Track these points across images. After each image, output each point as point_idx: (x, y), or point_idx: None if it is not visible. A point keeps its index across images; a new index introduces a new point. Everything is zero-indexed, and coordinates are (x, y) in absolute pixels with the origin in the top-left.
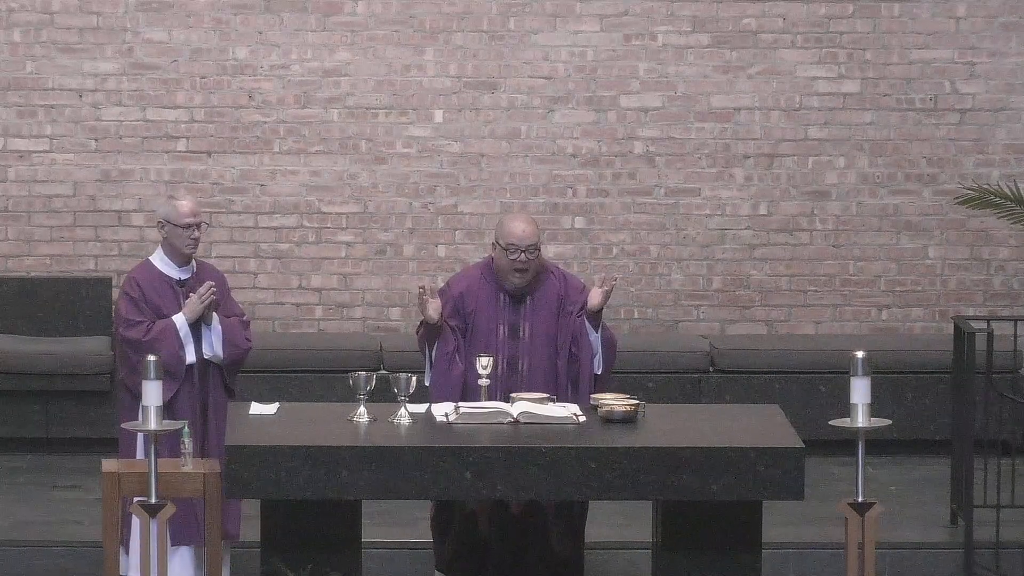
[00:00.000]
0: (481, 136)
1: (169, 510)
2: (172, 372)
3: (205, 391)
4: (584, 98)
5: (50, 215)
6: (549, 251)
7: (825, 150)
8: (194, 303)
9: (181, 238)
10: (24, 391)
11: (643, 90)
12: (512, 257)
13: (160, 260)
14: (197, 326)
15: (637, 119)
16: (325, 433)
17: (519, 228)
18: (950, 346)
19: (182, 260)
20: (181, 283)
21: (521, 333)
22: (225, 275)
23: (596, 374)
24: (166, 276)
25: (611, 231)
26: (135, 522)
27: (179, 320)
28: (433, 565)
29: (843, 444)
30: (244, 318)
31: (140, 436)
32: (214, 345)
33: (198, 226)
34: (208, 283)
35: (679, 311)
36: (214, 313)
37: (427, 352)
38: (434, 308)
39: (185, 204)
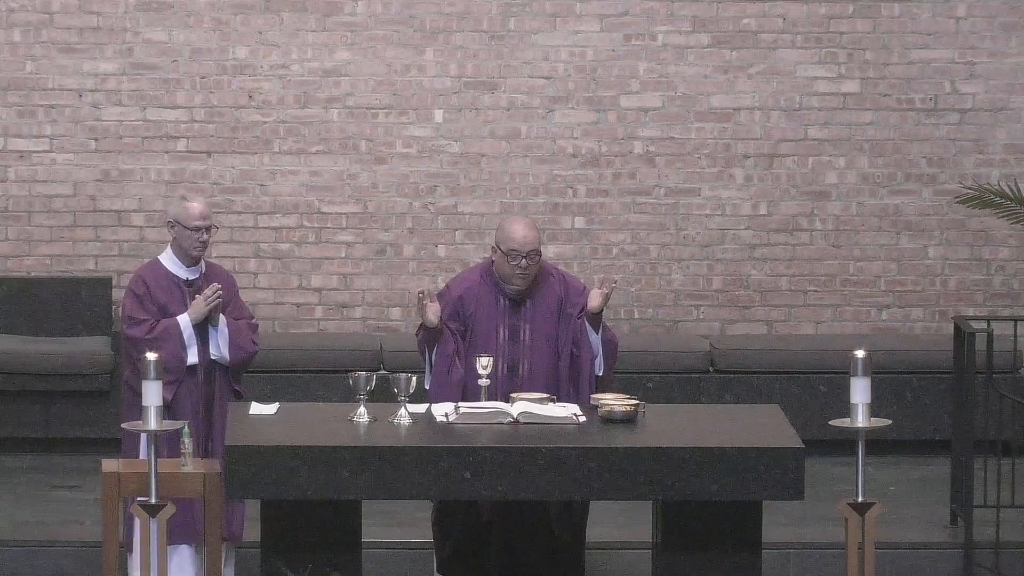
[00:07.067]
0: (481, 136)
1: (169, 510)
2: (171, 371)
3: (210, 392)
4: (584, 98)
5: (50, 215)
6: (549, 251)
7: (825, 150)
8: (199, 304)
9: (189, 240)
10: (24, 391)
11: (643, 90)
12: (513, 263)
13: (168, 259)
14: (204, 327)
15: (637, 119)
16: (325, 433)
17: (520, 234)
18: (950, 346)
19: (190, 261)
20: (189, 283)
21: (521, 336)
22: (234, 277)
23: (597, 375)
24: (174, 276)
25: (611, 231)
26: (136, 522)
27: (183, 320)
28: (434, 566)
29: (843, 444)
30: (252, 321)
31: (143, 435)
32: (220, 347)
33: (207, 229)
34: (214, 285)
35: (679, 311)
36: (221, 315)
37: (427, 355)
38: (433, 312)
39: (196, 206)
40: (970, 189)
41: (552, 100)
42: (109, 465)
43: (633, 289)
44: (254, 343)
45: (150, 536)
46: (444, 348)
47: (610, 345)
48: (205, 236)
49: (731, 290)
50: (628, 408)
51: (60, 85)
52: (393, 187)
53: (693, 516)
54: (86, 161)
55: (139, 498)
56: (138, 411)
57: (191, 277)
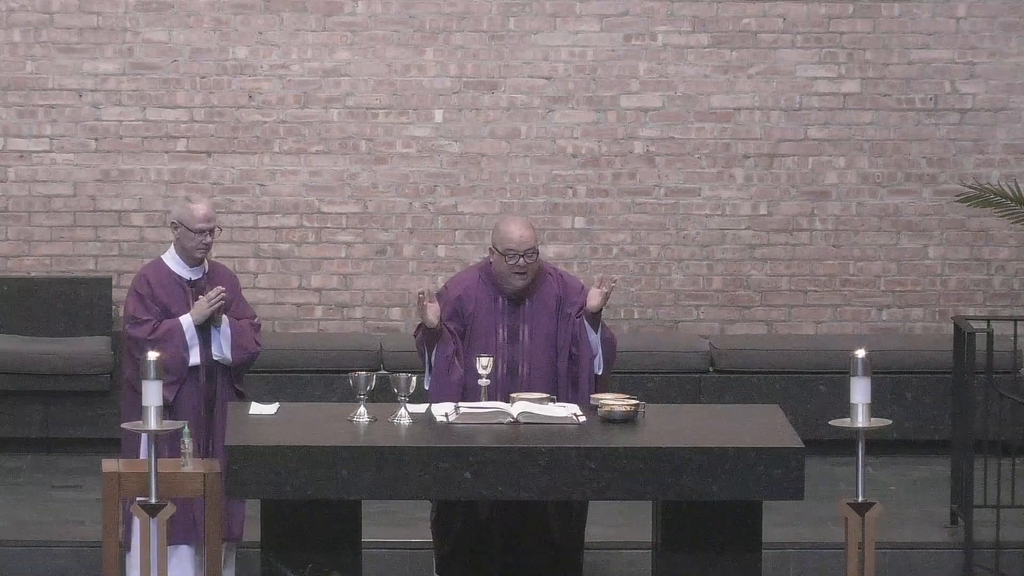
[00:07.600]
0: (481, 136)
1: (169, 510)
2: (172, 372)
3: (212, 392)
4: (584, 98)
5: (50, 215)
6: (549, 251)
7: (825, 150)
8: (202, 306)
9: (192, 241)
10: (24, 391)
11: (643, 90)
12: (510, 263)
13: (172, 259)
14: (206, 328)
15: (637, 119)
16: (325, 433)
17: (516, 233)
18: (950, 346)
19: (193, 261)
20: (192, 283)
21: (520, 336)
22: (238, 276)
23: (597, 375)
24: (176, 275)
25: (611, 231)
26: (136, 522)
27: (186, 321)
28: (433, 566)
29: (843, 444)
30: (255, 321)
31: (143, 435)
32: (223, 348)
33: (211, 231)
34: (218, 288)
35: (679, 311)
36: (224, 315)
37: (426, 356)
38: (433, 312)
39: (200, 209)
40: (970, 187)
41: (552, 100)
42: (109, 465)
43: (633, 289)
44: (257, 343)
45: (150, 536)
46: (444, 348)
47: (609, 344)
48: (208, 239)
49: (731, 290)
50: (628, 408)
51: (60, 85)
52: (393, 187)
53: (693, 516)
54: (86, 161)
55: (139, 498)
56: (139, 411)
57: (194, 277)
